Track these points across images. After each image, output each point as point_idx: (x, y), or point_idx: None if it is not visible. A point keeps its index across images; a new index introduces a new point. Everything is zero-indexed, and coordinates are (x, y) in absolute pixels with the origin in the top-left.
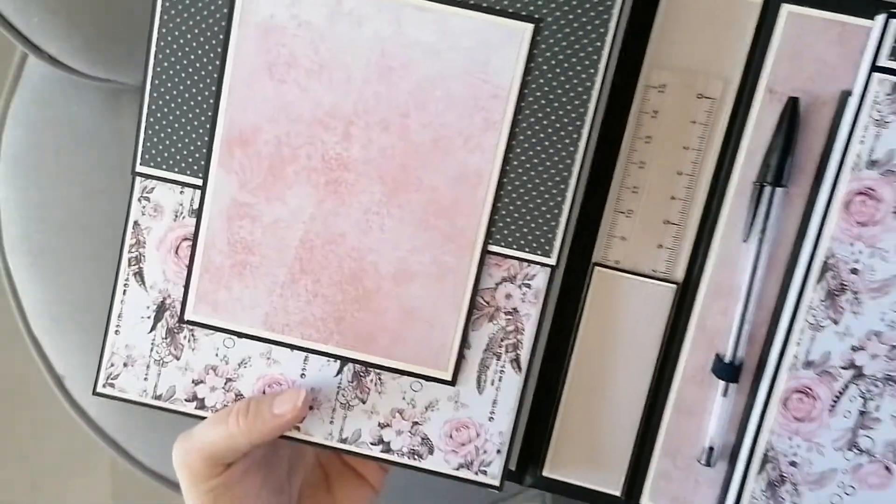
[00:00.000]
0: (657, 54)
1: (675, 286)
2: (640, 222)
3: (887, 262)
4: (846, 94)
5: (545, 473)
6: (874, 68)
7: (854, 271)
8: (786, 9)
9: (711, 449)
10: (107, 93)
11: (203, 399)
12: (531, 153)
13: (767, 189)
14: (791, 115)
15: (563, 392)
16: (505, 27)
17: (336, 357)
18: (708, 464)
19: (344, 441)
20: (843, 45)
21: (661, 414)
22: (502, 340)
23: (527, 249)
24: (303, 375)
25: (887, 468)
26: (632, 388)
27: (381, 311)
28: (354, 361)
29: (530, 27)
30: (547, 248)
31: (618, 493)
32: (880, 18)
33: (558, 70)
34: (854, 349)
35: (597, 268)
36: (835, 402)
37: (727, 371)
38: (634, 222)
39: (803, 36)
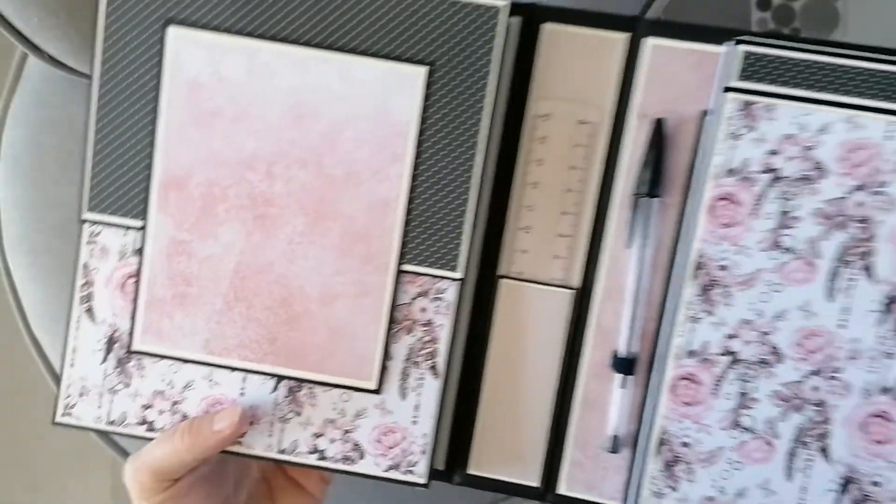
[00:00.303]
0: (540, 87)
1: (572, 291)
2: (538, 236)
3: (750, 257)
4: (706, 113)
5: (471, 471)
6: (726, 89)
7: (723, 268)
8: (649, 42)
9: (615, 437)
10: None
11: (153, 422)
12: (434, 180)
13: (644, 200)
14: (659, 135)
15: (481, 394)
16: (402, 71)
17: (271, 375)
18: (614, 451)
19: (282, 452)
20: (700, 70)
21: (570, 409)
22: (420, 350)
23: (437, 266)
24: (242, 394)
25: (768, 443)
26: (542, 387)
27: (309, 331)
28: (288, 378)
29: (424, 70)
30: (454, 263)
31: (537, 485)
32: (729, 45)
33: (451, 106)
34: (729, 337)
35: (503, 280)
36: (716, 386)
37: (623, 365)
38: (533, 237)
39: (666, 64)
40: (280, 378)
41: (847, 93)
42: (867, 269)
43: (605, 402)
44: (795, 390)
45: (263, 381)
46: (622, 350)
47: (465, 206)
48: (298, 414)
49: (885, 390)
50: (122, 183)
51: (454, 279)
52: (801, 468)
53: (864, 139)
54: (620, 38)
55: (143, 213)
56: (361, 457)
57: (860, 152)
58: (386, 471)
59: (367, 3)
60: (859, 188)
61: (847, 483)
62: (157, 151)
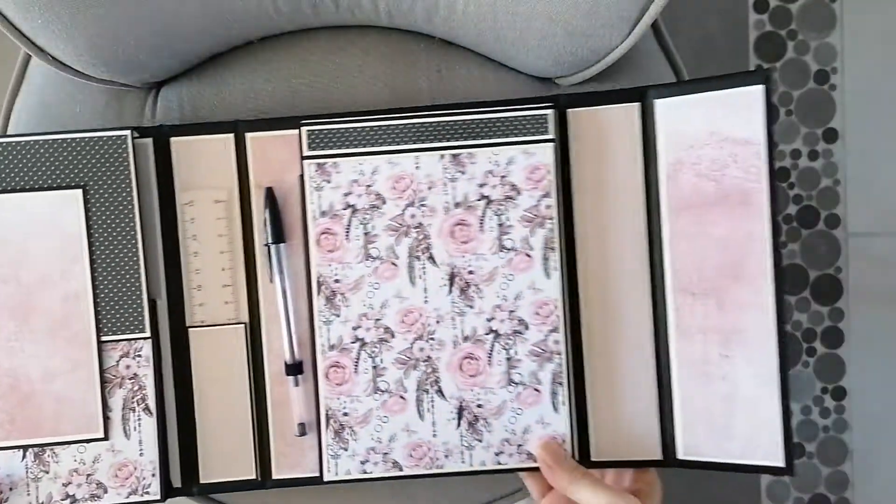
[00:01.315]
0: (181, 182)
1: (243, 325)
2: (208, 290)
3: (353, 269)
4: (301, 176)
5: (203, 481)
6: (303, 157)
7: (337, 281)
8: (248, 136)
9: (301, 424)
10: (109, 94)
11: None
12: (110, 269)
13: (274, 247)
14: (271, 199)
15: (196, 419)
16: (64, 196)
17: (17, 447)
18: (302, 434)
19: None
20: (289, 147)
21: (266, 411)
22: (133, 398)
23: (129, 332)
24: None
25: (401, 397)
26: (240, 400)
27: (39, 406)
28: (32, 446)
29: (79, 191)
30: (142, 327)
31: (255, 477)
32: (299, 129)
33: (109, 212)
34: (354, 329)
35: (191, 329)
36: (356, 365)
37: (291, 369)
38: (204, 292)
39: (265, 148)
40: (25, 448)
41: (383, 143)
42: (431, 259)
43: (289, 399)
44: (408, 354)
45: (13, 453)
46: (288, 358)
47: (139, 283)
48: (47, 472)
49: (466, 338)
50: None
51: (145, 338)
52: (428, 409)
53: (402, 172)
54: (229, 138)
55: None
56: (105, 492)
57: (402, 181)
58: (127, 497)
59: (26, 152)
60: (410, 205)
61: (461, 411)
62: None
